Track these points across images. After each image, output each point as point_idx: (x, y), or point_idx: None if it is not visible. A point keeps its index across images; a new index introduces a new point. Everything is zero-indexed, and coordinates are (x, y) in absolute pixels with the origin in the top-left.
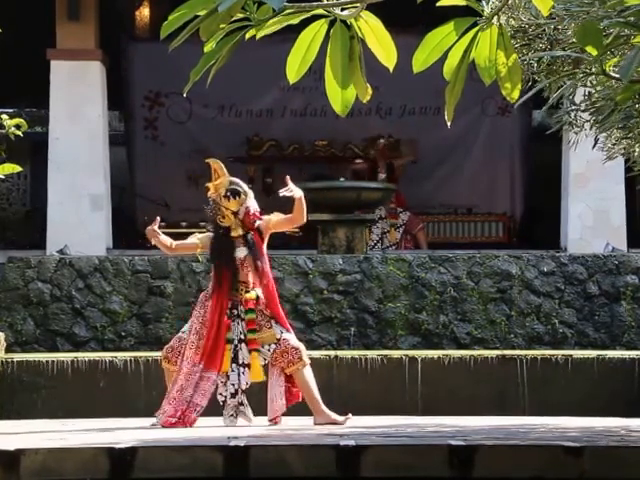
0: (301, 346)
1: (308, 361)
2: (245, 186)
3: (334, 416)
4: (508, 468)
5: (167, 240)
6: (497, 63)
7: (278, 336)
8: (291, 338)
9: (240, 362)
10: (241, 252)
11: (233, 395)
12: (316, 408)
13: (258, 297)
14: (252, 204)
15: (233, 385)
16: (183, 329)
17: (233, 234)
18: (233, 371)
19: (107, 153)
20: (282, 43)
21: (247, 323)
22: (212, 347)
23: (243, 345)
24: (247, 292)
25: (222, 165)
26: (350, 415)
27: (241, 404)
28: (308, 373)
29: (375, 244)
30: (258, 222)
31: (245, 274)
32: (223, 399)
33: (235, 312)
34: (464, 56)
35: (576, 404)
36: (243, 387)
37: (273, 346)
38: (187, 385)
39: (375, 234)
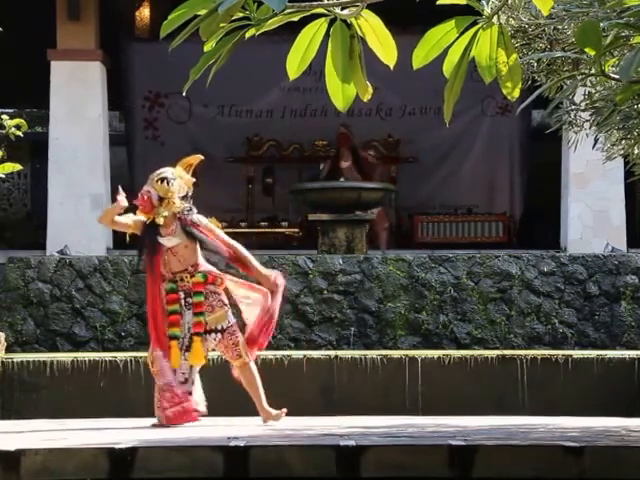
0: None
1: (249, 359)
2: (169, 173)
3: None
4: (508, 468)
5: (118, 217)
6: (497, 62)
7: (228, 322)
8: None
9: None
10: (170, 241)
11: (182, 384)
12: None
13: (206, 277)
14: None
15: (183, 374)
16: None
17: (158, 221)
18: (186, 360)
19: (107, 153)
20: (282, 44)
21: (194, 306)
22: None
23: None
24: (192, 277)
25: (185, 160)
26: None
27: (189, 393)
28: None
29: None
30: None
31: (178, 261)
32: None
33: (190, 301)
34: (464, 54)
35: (576, 404)
36: (193, 376)
37: (219, 335)
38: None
39: None
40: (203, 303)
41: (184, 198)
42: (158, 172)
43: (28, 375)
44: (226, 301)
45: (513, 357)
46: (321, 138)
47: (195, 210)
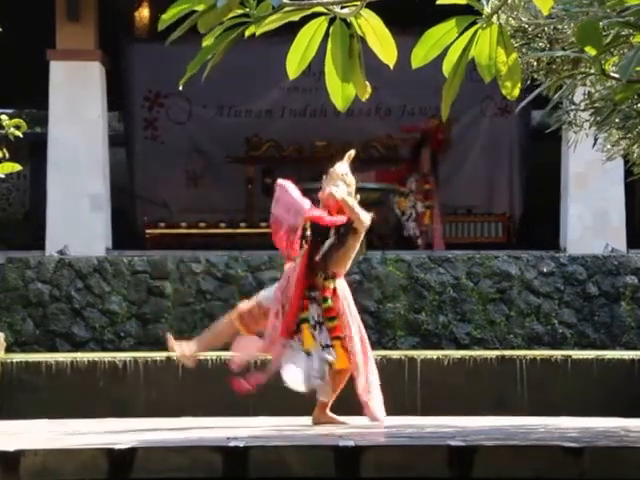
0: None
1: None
2: (339, 167)
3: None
4: (508, 468)
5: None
6: (497, 61)
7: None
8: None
9: (323, 344)
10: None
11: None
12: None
13: (335, 289)
14: (338, 190)
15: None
16: (262, 295)
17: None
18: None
19: (107, 153)
20: (281, 44)
21: (324, 311)
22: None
23: (323, 328)
24: (326, 279)
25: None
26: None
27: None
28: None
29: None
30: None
31: (323, 261)
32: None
33: (313, 295)
34: (463, 53)
35: (576, 404)
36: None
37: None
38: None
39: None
40: (333, 309)
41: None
42: (343, 169)
43: (27, 375)
44: (341, 311)
45: (513, 357)
46: (320, 139)
47: None
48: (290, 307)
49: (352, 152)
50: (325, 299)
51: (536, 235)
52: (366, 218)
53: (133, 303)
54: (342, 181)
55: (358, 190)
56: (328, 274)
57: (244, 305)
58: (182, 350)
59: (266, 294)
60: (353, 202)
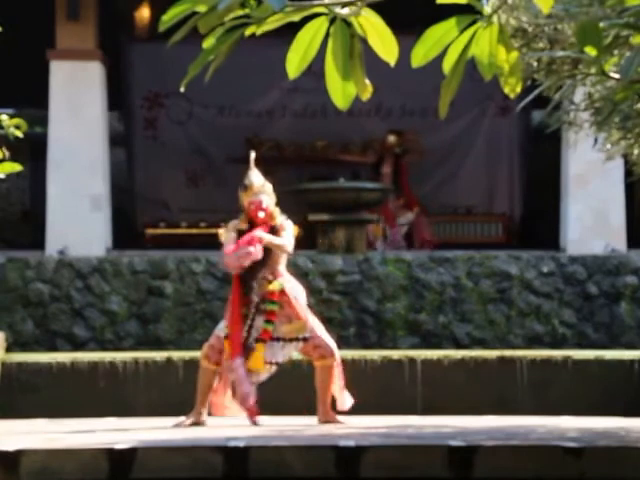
0: (333, 344)
1: (333, 363)
2: (256, 179)
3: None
4: (508, 469)
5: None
6: (498, 59)
7: (309, 333)
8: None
9: (267, 360)
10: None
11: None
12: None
13: (282, 289)
14: (264, 199)
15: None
16: (219, 327)
17: (243, 227)
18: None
19: (107, 153)
20: (282, 45)
21: (266, 314)
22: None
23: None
24: (269, 283)
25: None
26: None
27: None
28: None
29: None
30: (280, 222)
31: (259, 268)
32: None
33: (262, 307)
34: (464, 52)
35: (576, 404)
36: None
37: (300, 343)
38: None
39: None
40: (275, 312)
41: None
42: (259, 178)
43: (28, 375)
44: (303, 313)
45: (513, 357)
46: (321, 139)
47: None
48: (232, 327)
49: (253, 154)
50: (272, 302)
51: (536, 235)
52: (288, 245)
53: (133, 303)
54: (263, 193)
55: (358, 190)
56: (268, 278)
57: (205, 344)
58: (193, 422)
59: (220, 325)
60: (270, 238)
